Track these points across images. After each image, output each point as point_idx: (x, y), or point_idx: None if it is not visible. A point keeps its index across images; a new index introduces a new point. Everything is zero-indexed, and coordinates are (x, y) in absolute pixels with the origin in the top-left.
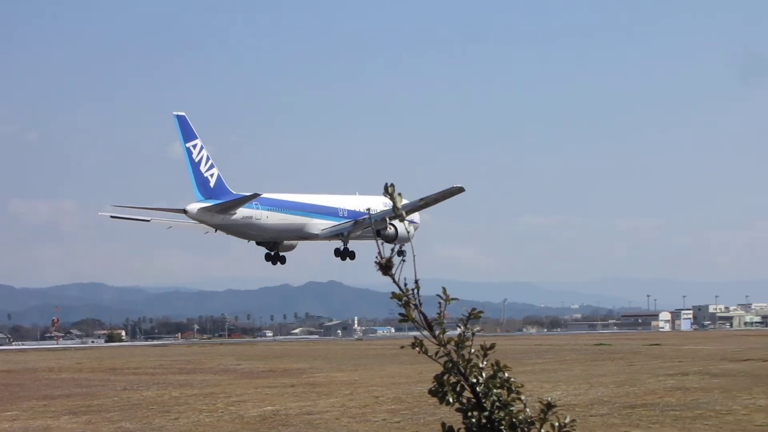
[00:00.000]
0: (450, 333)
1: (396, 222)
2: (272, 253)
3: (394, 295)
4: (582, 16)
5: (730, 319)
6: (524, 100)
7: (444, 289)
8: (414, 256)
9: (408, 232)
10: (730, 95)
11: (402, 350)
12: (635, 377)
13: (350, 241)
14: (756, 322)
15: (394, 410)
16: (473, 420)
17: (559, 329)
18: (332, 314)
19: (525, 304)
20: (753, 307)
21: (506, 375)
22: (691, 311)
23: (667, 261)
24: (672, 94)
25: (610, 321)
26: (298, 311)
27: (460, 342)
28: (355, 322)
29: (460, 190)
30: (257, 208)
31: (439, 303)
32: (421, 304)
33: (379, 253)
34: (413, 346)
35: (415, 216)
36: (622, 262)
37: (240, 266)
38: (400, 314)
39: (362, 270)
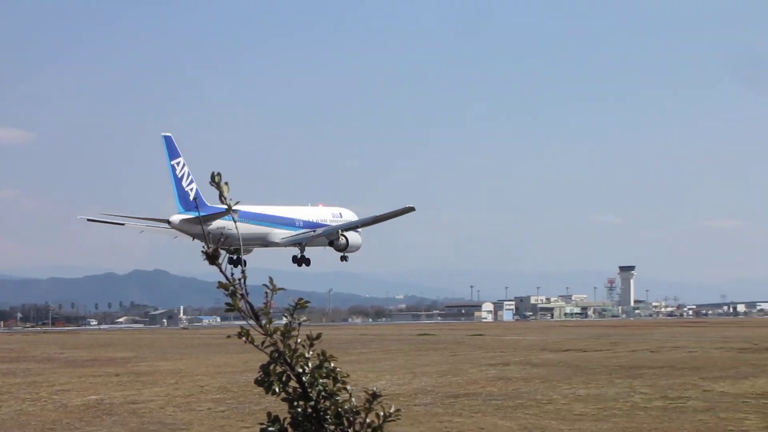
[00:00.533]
0: (276, 323)
1: (348, 233)
2: (234, 257)
3: (220, 285)
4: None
5: (551, 310)
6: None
7: (271, 279)
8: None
9: (358, 243)
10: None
11: (228, 340)
12: (458, 367)
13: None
14: (576, 313)
15: (220, 399)
16: (299, 410)
17: (383, 319)
18: (158, 303)
19: (350, 294)
20: (573, 298)
21: (332, 365)
22: (513, 302)
23: (490, 253)
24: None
25: (434, 311)
26: (123, 300)
27: (287, 332)
28: (181, 311)
29: (411, 209)
30: (229, 219)
31: (266, 293)
32: (247, 294)
33: (206, 243)
34: (239, 335)
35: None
36: (446, 254)
37: (64, 254)
38: (227, 304)
39: (189, 259)
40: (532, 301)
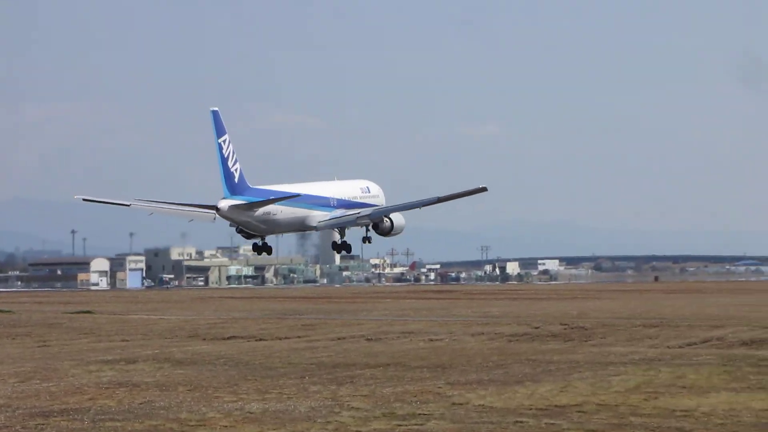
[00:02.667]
0: None
1: (393, 215)
2: (260, 243)
3: None
4: None
5: (205, 270)
6: None
7: None
8: None
9: (402, 225)
10: None
11: None
12: (51, 366)
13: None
14: (247, 276)
15: None
16: None
17: None
18: None
19: None
20: (241, 252)
21: None
22: (143, 257)
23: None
24: None
25: (11, 273)
26: None
27: None
28: None
29: (484, 189)
30: (280, 204)
31: None
32: None
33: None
34: None
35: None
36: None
37: None
38: None
39: None
40: (175, 255)
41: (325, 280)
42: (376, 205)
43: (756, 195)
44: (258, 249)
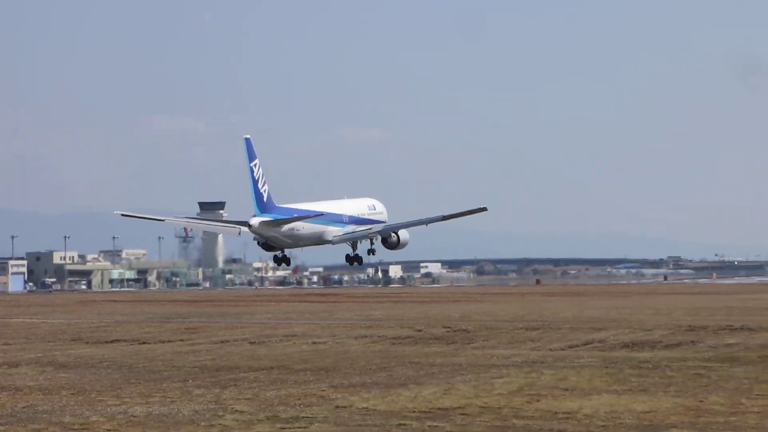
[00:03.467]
0: None
1: (400, 231)
2: (281, 255)
3: None
4: None
5: (87, 274)
6: None
7: None
8: None
9: (407, 240)
10: None
11: None
12: None
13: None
14: (130, 280)
15: None
16: None
17: None
18: None
19: None
20: (124, 255)
21: None
22: (24, 261)
23: None
24: None
25: None
26: None
27: None
28: None
29: (484, 209)
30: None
31: None
32: None
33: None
34: None
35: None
36: None
37: None
38: None
39: None
40: (57, 259)
41: (207, 284)
42: (382, 221)
43: (637, 200)
44: (278, 260)
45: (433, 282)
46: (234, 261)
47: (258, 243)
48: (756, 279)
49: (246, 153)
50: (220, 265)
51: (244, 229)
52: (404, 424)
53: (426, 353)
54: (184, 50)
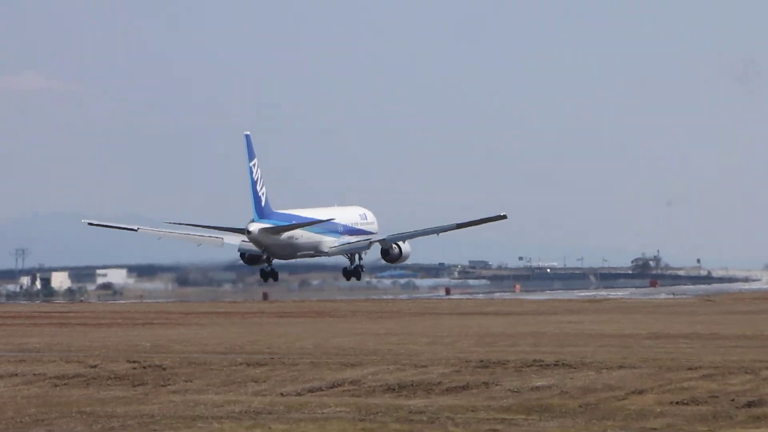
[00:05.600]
0: None
1: (401, 243)
2: (268, 269)
3: None
4: None
5: None
6: None
7: None
8: None
9: (408, 253)
10: None
11: None
12: None
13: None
14: None
15: None
16: None
17: None
18: None
19: None
20: None
21: None
22: None
23: None
24: None
25: None
26: None
27: None
28: None
29: (503, 217)
30: (305, 230)
31: None
32: None
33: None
34: None
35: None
36: None
37: None
38: None
39: None
40: None
41: None
42: (373, 232)
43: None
44: (266, 275)
45: (116, 295)
46: None
47: (242, 255)
48: (578, 293)
49: (246, 150)
50: None
51: (229, 240)
52: None
53: (103, 399)
54: None
